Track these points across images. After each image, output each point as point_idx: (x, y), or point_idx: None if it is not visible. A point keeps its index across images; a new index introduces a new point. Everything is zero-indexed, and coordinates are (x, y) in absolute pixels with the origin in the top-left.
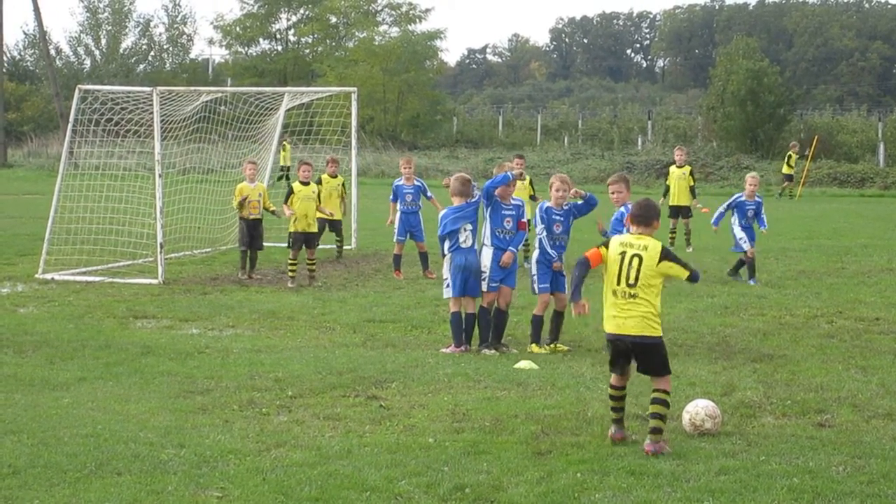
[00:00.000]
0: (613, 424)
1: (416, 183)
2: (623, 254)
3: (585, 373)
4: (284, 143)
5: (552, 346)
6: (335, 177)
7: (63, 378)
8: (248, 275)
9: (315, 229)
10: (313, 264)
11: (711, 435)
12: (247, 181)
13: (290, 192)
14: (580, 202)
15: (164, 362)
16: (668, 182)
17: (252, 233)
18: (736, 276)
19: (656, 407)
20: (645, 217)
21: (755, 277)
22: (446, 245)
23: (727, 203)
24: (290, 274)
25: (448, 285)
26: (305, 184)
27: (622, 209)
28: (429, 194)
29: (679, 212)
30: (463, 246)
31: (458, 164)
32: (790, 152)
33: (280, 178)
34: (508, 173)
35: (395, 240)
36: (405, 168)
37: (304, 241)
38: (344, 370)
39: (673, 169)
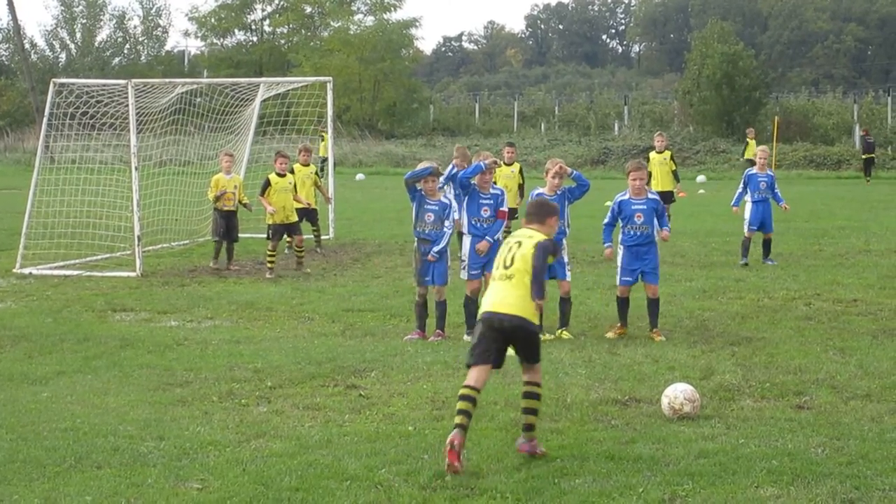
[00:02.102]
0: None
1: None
2: (508, 243)
3: (564, 359)
4: (322, 133)
5: (559, 332)
6: (307, 165)
7: (42, 372)
8: (226, 266)
9: (295, 219)
10: (301, 252)
11: (690, 419)
12: (223, 173)
13: (267, 184)
14: (573, 185)
15: (143, 355)
16: (649, 168)
17: (227, 224)
18: (767, 259)
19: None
20: (538, 214)
21: (746, 258)
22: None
23: (742, 181)
24: (269, 265)
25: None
26: (282, 175)
27: (651, 195)
28: None
29: (662, 197)
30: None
31: (436, 152)
32: (748, 139)
33: (322, 170)
34: (481, 163)
35: None
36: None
37: (283, 231)
38: (323, 360)
39: (653, 155)
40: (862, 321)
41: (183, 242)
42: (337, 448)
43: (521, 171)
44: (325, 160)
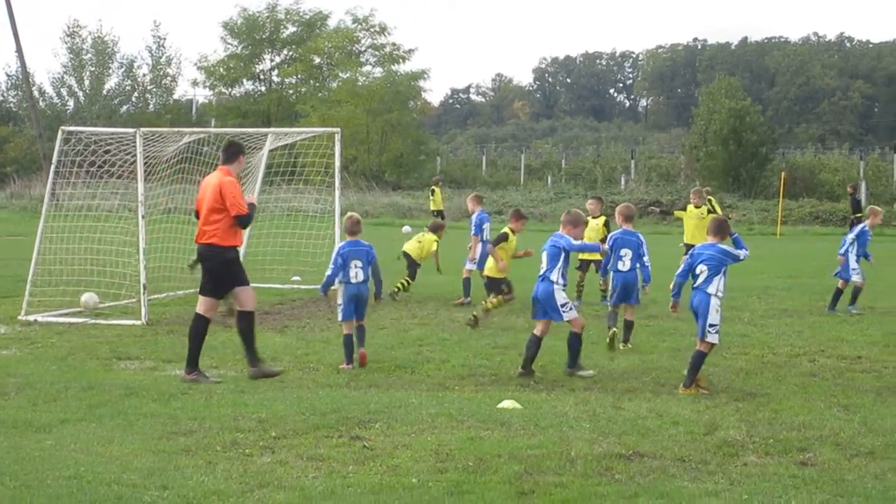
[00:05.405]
0: None
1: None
2: None
3: (569, 412)
4: (434, 187)
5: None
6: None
7: (46, 420)
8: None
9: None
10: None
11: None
12: None
13: (504, 237)
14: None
15: (148, 403)
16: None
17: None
18: (833, 309)
19: None
20: None
21: (855, 304)
22: (339, 276)
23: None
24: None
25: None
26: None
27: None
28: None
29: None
30: (353, 281)
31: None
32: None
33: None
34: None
35: (475, 267)
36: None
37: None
38: (327, 410)
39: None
40: (866, 378)
41: (188, 291)
42: (340, 499)
43: (605, 224)
44: (437, 214)
